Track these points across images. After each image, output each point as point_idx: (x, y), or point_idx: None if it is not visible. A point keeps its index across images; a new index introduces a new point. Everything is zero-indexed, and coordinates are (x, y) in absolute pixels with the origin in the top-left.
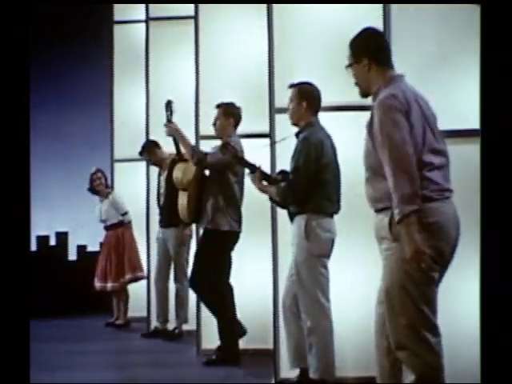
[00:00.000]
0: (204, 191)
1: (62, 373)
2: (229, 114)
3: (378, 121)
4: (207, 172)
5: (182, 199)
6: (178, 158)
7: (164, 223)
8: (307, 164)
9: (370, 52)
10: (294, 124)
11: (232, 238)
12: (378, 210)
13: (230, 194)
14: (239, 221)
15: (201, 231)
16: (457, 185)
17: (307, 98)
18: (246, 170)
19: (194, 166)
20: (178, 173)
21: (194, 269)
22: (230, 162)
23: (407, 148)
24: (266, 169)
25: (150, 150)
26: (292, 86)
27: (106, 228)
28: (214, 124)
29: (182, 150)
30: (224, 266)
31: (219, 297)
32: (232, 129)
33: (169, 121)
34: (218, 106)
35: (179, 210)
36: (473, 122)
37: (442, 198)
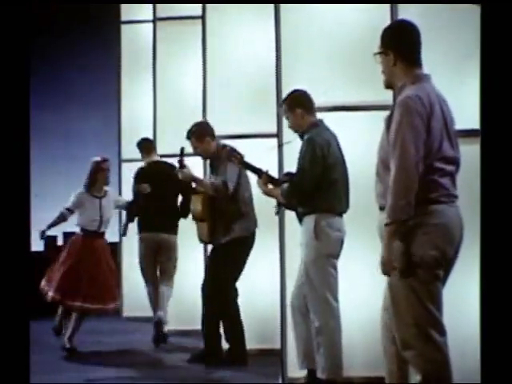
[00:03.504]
0: (220, 215)
1: (63, 374)
2: (202, 135)
3: (396, 120)
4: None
5: (202, 229)
6: (193, 191)
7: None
8: (313, 164)
9: (396, 47)
10: (299, 132)
11: (251, 239)
12: (383, 208)
13: (241, 199)
14: (254, 219)
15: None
16: (457, 185)
17: (298, 104)
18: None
19: (219, 197)
20: (197, 205)
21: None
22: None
23: (416, 157)
24: (274, 170)
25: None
26: (281, 104)
27: (98, 233)
28: (196, 152)
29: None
30: (241, 269)
31: (230, 299)
32: (213, 144)
33: (181, 166)
34: (188, 138)
35: (199, 236)
36: (473, 122)
37: (449, 201)
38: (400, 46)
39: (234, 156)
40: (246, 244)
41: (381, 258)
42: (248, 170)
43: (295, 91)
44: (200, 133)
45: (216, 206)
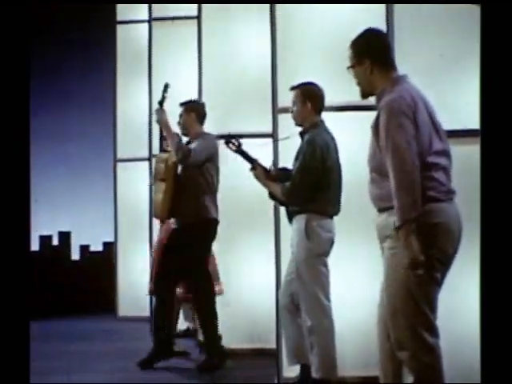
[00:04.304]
0: (186, 183)
1: (62, 374)
2: (190, 109)
3: (384, 124)
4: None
5: (158, 193)
6: (161, 148)
7: None
8: (313, 165)
9: (372, 53)
10: (299, 125)
11: (217, 225)
12: (381, 209)
13: (212, 183)
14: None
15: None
16: (457, 185)
17: (311, 98)
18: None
19: (178, 162)
20: (160, 163)
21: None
22: (211, 157)
23: (411, 155)
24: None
25: None
26: (293, 88)
27: None
28: (179, 123)
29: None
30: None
31: (209, 289)
32: (197, 124)
33: (161, 105)
34: (182, 104)
35: (154, 204)
36: (473, 122)
37: (447, 199)
38: (375, 52)
39: (232, 142)
40: (215, 229)
41: (407, 259)
42: (243, 157)
43: (314, 84)
44: (191, 107)
45: (180, 172)
